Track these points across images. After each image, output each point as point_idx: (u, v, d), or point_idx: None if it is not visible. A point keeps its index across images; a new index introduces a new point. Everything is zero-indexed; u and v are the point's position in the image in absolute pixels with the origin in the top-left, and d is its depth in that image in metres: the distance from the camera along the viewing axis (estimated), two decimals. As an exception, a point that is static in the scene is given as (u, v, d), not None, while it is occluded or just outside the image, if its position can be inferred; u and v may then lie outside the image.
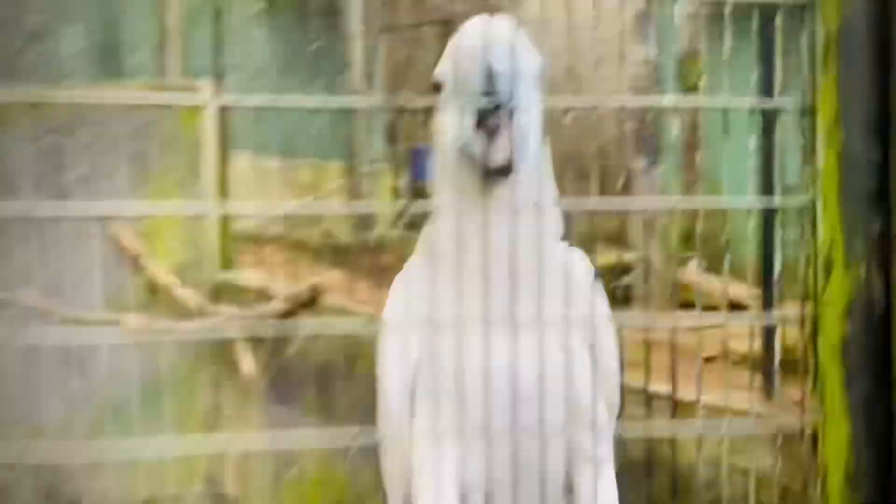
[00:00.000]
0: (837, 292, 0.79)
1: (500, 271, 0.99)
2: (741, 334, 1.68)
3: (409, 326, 1.06)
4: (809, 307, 0.82)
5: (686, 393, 1.47)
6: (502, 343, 1.01)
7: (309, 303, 2.58)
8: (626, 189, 3.00)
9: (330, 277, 2.64)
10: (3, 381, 2.70)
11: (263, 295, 2.59)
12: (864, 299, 0.79)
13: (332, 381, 2.48)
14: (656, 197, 3.35)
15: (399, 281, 1.10)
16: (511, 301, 1.00)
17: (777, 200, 1.36)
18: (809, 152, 0.82)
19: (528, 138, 0.96)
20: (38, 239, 2.74)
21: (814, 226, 0.81)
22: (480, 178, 0.95)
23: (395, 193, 5.35)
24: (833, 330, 0.80)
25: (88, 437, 2.71)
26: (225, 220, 2.82)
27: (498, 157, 0.93)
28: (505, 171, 0.93)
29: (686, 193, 3.41)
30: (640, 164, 3.15)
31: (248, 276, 2.76)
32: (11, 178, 2.70)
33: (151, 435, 2.76)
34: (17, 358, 2.76)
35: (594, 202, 1.20)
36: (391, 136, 5.45)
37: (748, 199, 2.03)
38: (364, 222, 4.53)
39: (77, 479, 2.83)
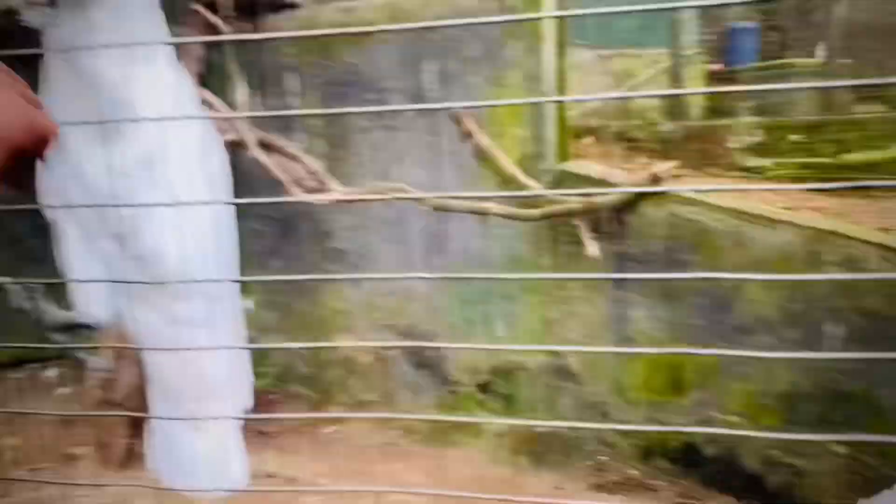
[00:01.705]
0: None
1: None
2: None
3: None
4: None
5: None
6: None
7: (648, 192, 2.62)
8: None
9: (665, 166, 2.65)
10: (369, 258, 3.13)
11: (602, 185, 2.68)
12: None
13: (673, 268, 2.54)
14: None
15: None
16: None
17: None
18: None
19: None
20: (407, 135, 3.08)
21: None
22: None
23: (710, 80, 5.09)
24: None
25: (446, 310, 3.08)
26: (562, 113, 2.92)
27: None
28: None
29: None
30: None
31: (586, 166, 2.86)
32: (374, 83, 3.04)
33: (505, 312, 3.07)
34: (391, 238, 3.18)
35: None
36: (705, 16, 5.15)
37: None
38: (679, 111, 4.40)
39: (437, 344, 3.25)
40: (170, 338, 1.48)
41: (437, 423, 2.89)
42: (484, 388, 3.13)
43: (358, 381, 3.41)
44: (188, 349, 1.48)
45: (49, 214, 1.52)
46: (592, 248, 2.49)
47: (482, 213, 2.60)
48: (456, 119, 2.61)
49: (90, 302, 1.49)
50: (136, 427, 3.10)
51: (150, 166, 1.39)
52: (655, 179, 2.57)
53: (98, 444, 2.94)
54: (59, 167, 1.42)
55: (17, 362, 3.54)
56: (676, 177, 2.77)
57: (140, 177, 1.42)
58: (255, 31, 2.86)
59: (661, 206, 2.61)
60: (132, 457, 3.01)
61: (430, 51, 2.96)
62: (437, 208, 2.52)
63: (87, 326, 1.56)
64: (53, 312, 1.51)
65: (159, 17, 1.54)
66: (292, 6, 3.08)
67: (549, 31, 2.81)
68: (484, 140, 2.77)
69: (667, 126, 4.12)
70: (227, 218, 1.61)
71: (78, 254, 1.48)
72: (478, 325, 3.06)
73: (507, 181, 2.78)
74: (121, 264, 1.48)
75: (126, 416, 3.06)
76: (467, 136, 2.62)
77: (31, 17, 1.33)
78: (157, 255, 1.41)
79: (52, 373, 3.83)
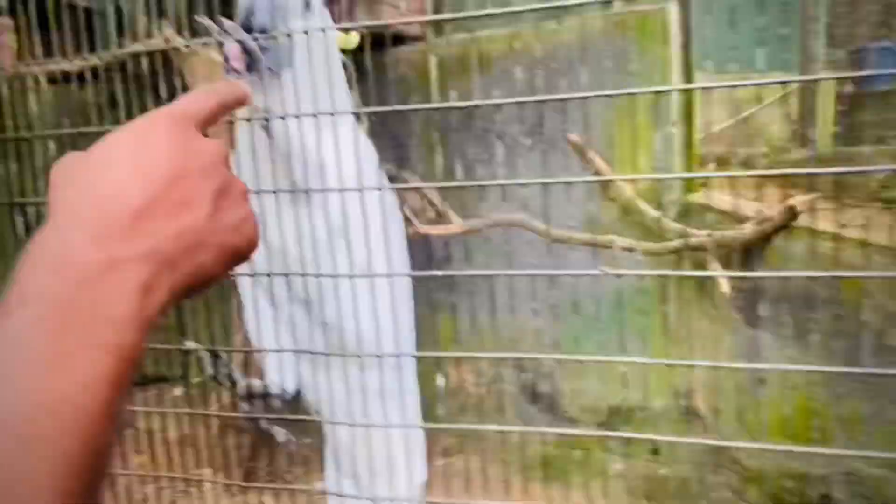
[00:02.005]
0: None
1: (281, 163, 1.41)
2: None
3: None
4: None
5: None
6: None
7: (784, 225, 2.47)
8: None
9: (803, 198, 2.49)
10: (483, 289, 3.09)
11: (733, 216, 2.55)
12: None
13: (812, 308, 2.37)
14: None
15: None
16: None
17: None
18: None
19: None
20: (526, 164, 3.04)
21: None
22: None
23: (840, 102, 4.80)
24: None
25: (564, 345, 3.00)
26: (690, 141, 2.81)
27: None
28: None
29: None
30: None
31: (715, 197, 2.73)
32: (491, 112, 3.01)
33: (622, 346, 2.96)
34: (506, 269, 3.13)
35: None
36: (832, 37, 4.87)
37: None
38: (810, 137, 4.17)
39: (554, 380, 3.16)
40: (352, 408, 1.47)
41: (555, 461, 2.80)
42: (602, 427, 3.02)
43: (469, 414, 3.36)
44: (370, 424, 1.45)
45: (233, 280, 1.56)
46: (723, 284, 2.35)
47: (603, 246, 2.52)
48: (577, 148, 2.54)
49: (278, 370, 1.50)
50: (257, 450, 3.17)
51: (338, 232, 1.39)
52: (792, 213, 2.42)
53: (220, 466, 3.02)
54: None
55: (143, 381, 3.70)
56: (814, 210, 2.59)
57: (328, 242, 1.39)
58: (379, 64, 2.88)
59: (797, 240, 2.45)
60: (251, 480, 3.07)
61: (549, 78, 2.92)
62: (556, 240, 2.46)
63: (276, 396, 1.57)
64: (242, 381, 1.52)
65: (345, 81, 1.58)
66: (416, 38, 3.11)
67: (674, 56, 2.71)
68: (606, 170, 2.69)
69: (797, 153, 3.90)
70: (408, 285, 1.61)
71: (265, 321, 1.50)
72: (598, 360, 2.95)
73: (631, 213, 2.68)
74: (306, 332, 1.49)
75: (255, 438, 3.11)
76: (589, 165, 2.55)
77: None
78: (343, 322, 1.42)
79: (177, 391, 3.98)
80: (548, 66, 2.85)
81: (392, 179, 2.83)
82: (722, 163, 3.53)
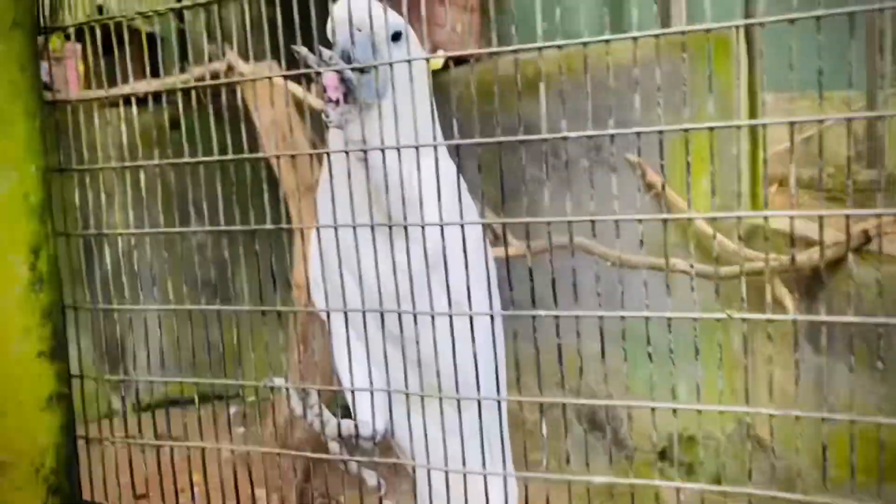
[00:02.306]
0: None
1: (371, 196, 1.40)
2: None
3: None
4: None
5: None
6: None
7: (857, 249, 2.37)
8: None
9: (876, 222, 2.39)
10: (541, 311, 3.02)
11: (801, 240, 2.46)
12: None
13: (885, 335, 2.26)
14: None
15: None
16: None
17: None
18: None
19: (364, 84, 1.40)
20: (584, 185, 2.98)
21: None
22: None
23: (906, 124, 4.62)
24: None
25: (624, 370, 2.90)
26: (755, 162, 2.73)
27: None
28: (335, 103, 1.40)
29: None
30: None
31: (781, 220, 2.64)
32: (541, 130, 2.97)
33: (684, 373, 2.86)
34: (564, 291, 3.06)
35: None
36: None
37: None
38: (879, 157, 4.02)
39: (614, 406, 3.09)
40: (443, 450, 1.42)
41: (616, 492, 2.71)
42: (664, 455, 2.93)
43: (525, 441, 3.29)
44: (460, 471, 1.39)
45: (324, 317, 1.53)
46: (791, 309, 2.27)
47: (665, 270, 2.45)
48: (638, 168, 2.49)
49: (369, 411, 1.45)
50: (311, 471, 3.16)
51: (432, 267, 1.36)
52: (865, 237, 2.32)
53: (274, 486, 3.01)
54: (334, 267, 1.42)
55: (199, 399, 3.73)
56: (887, 234, 2.49)
57: (422, 278, 1.36)
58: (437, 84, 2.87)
59: (871, 265, 2.35)
60: (305, 501, 3.05)
61: (608, 99, 2.86)
62: (616, 263, 2.40)
63: (366, 437, 1.51)
64: (333, 421, 1.47)
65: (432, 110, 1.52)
66: (476, 59, 3.08)
67: (740, 77, 2.65)
68: (669, 191, 2.63)
69: (864, 174, 3.77)
70: (500, 323, 1.56)
71: (357, 359, 1.47)
72: (657, 388, 2.87)
73: (695, 238, 2.61)
74: (399, 371, 1.42)
75: (310, 459, 3.11)
76: (650, 187, 2.50)
77: (333, 117, 1.38)
78: (439, 360, 1.36)
79: (232, 410, 4.01)
80: (605, 85, 2.80)
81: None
82: (784, 184, 3.42)
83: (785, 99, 5.05)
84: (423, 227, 1.38)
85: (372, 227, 1.40)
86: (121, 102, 1.62)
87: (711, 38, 2.77)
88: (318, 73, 1.39)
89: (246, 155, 1.41)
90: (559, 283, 3.05)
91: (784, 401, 2.57)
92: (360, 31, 1.40)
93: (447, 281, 1.38)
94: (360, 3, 1.41)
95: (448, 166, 1.57)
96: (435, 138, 1.43)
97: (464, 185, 1.55)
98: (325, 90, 1.42)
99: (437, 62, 1.57)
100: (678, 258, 2.46)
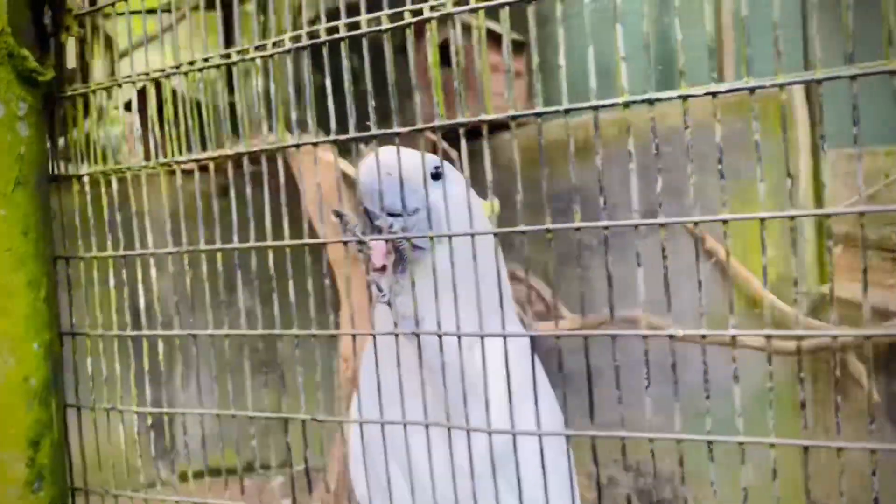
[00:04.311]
0: None
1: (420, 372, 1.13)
2: None
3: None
4: None
5: None
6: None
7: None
8: None
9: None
10: (603, 388, 2.90)
11: (876, 310, 2.30)
12: None
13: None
14: None
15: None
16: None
17: None
18: None
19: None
20: (635, 247, 2.87)
21: None
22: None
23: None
24: None
25: (689, 449, 2.74)
26: (821, 227, 2.60)
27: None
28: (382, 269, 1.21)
29: None
30: None
31: (852, 289, 2.49)
32: (596, 200, 2.89)
33: (756, 454, 2.68)
34: (620, 362, 2.94)
35: None
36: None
37: None
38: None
39: (674, 485, 2.91)
40: None
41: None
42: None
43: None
44: None
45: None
46: (869, 387, 2.09)
47: (727, 344, 2.31)
48: (696, 236, 2.38)
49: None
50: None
51: (499, 466, 1.12)
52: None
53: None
54: (380, 464, 1.23)
55: (246, 468, 3.66)
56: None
57: (486, 479, 1.13)
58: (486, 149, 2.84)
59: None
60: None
61: (662, 162, 2.78)
62: (681, 339, 2.27)
63: None
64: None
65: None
66: (519, 124, 3.04)
67: (802, 137, 2.54)
68: (729, 259, 2.51)
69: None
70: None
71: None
72: (721, 467, 2.69)
73: (757, 306, 2.47)
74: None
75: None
76: (709, 254, 2.38)
77: (385, 290, 1.22)
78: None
79: (279, 481, 3.92)
80: (658, 148, 2.72)
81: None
82: (850, 244, 3.25)
83: (845, 156, 4.88)
84: (483, 416, 1.11)
85: (426, 426, 1.15)
86: (176, 171, 1.59)
87: (767, 97, 2.69)
88: (362, 242, 1.22)
89: (299, 241, 1.28)
90: (619, 354, 2.93)
91: (862, 482, 2.37)
92: (390, 175, 1.21)
93: (518, 482, 1.10)
94: (386, 154, 1.22)
95: (515, 328, 1.35)
96: (501, 293, 1.14)
97: (538, 361, 1.30)
98: (369, 259, 1.24)
99: (494, 206, 1.37)
100: (741, 329, 2.31)
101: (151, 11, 2.83)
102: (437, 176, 1.34)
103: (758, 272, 2.55)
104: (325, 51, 1.20)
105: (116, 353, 1.48)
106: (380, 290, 1.22)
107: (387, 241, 1.22)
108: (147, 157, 1.51)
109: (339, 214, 1.24)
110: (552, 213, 1.16)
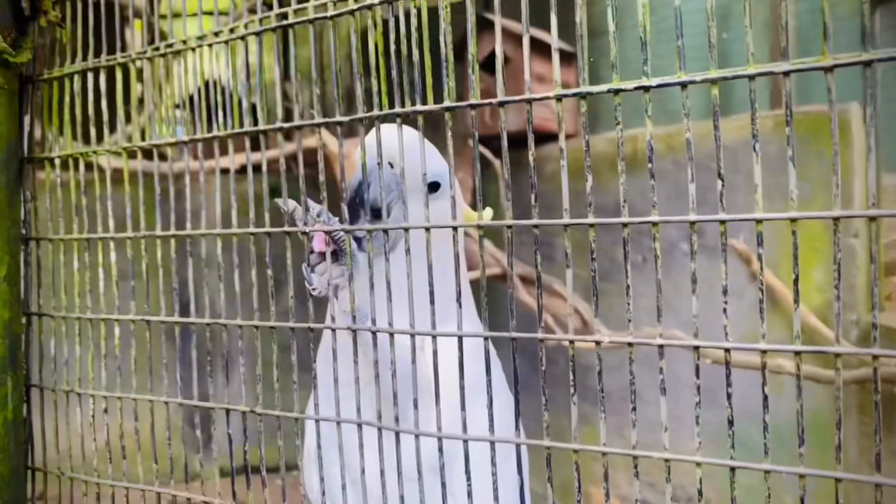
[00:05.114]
0: None
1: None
2: None
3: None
4: None
5: None
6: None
7: None
8: None
9: None
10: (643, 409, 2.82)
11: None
12: None
13: None
14: None
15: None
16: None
17: None
18: None
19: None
20: (684, 272, 2.81)
21: None
22: None
23: None
24: None
25: (721, 472, 2.65)
26: (872, 254, 2.50)
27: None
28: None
29: None
30: None
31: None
32: (646, 213, 2.83)
33: (794, 482, 2.57)
34: (658, 384, 2.86)
35: None
36: None
37: None
38: None
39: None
40: None
41: None
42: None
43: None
44: None
45: None
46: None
47: (774, 372, 2.23)
48: (742, 257, 2.31)
49: None
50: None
51: (443, 469, 1.06)
52: None
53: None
54: (333, 466, 1.21)
55: (278, 467, 3.66)
56: None
57: (432, 482, 1.07)
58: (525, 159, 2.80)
59: None
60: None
61: (710, 181, 2.71)
62: (717, 360, 2.20)
63: None
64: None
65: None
66: (567, 136, 3.01)
67: (858, 160, 2.45)
68: (776, 283, 2.43)
69: None
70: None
71: None
72: (758, 495, 2.61)
73: (804, 333, 2.38)
74: None
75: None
76: (756, 277, 2.30)
77: (316, 283, 1.21)
78: None
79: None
80: (709, 166, 2.66)
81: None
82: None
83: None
84: (431, 418, 1.06)
85: (380, 430, 1.11)
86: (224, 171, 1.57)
87: (821, 117, 2.60)
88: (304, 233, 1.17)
89: (248, 230, 1.25)
90: (656, 376, 2.86)
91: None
92: (381, 164, 1.14)
93: (467, 474, 1.05)
94: (391, 135, 1.12)
95: (475, 329, 1.26)
96: (460, 290, 1.06)
97: (496, 361, 1.25)
98: (309, 240, 1.18)
99: (485, 215, 1.31)
100: (784, 358, 2.24)
101: None
102: (434, 187, 1.27)
103: (806, 297, 2.46)
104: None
105: (77, 336, 1.48)
106: (310, 283, 1.17)
107: (326, 232, 1.17)
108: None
109: (282, 205, 1.19)
110: (598, 228, 1.11)
